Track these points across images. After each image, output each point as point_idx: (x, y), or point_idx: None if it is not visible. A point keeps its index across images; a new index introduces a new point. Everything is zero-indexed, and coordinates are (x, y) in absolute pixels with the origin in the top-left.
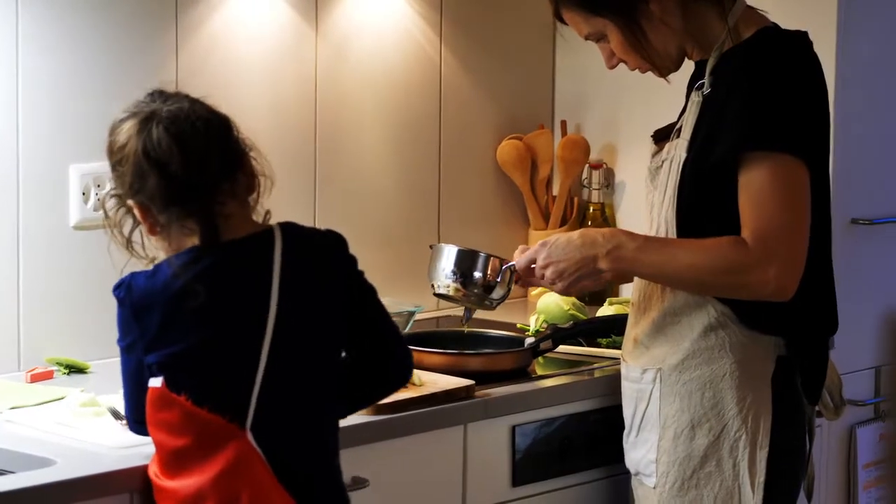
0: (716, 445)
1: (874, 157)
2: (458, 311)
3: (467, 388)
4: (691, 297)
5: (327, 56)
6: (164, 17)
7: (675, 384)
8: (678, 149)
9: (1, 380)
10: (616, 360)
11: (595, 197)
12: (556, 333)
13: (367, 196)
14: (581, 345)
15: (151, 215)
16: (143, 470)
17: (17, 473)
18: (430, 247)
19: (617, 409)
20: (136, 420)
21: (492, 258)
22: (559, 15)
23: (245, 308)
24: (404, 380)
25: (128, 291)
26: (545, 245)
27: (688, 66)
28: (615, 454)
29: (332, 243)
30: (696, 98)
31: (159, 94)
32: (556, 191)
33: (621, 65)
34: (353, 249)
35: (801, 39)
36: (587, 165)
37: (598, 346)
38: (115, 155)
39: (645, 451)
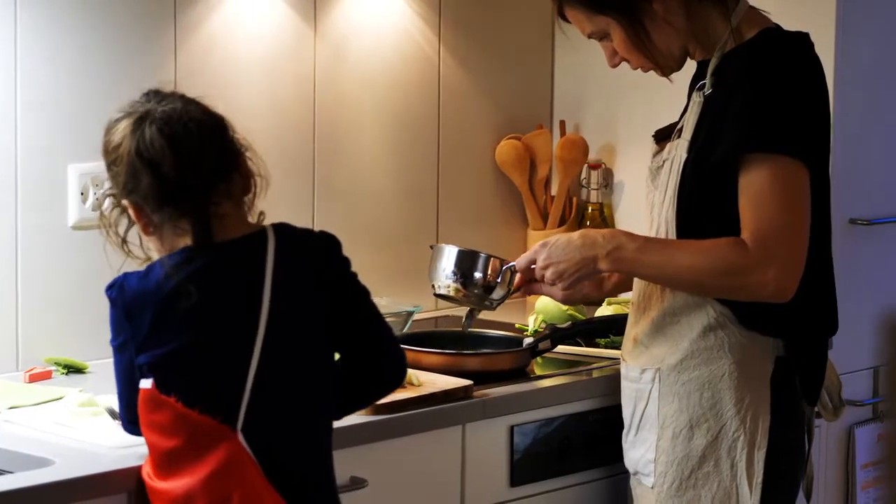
0: (714, 445)
1: (873, 157)
2: (458, 311)
3: (466, 388)
4: (691, 297)
5: (326, 56)
6: (163, 17)
7: (674, 384)
8: (679, 149)
9: None
10: (614, 360)
11: (594, 197)
12: (555, 333)
13: (366, 196)
14: (579, 345)
15: (145, 215)
16: (140, 470)
17: (16, 473)
18: (431, 247)
19: (615, 409)
20: (130, 420)
21: (492, 258)
22: (562, 13)
23: (237, 309)
24: (398, 381)
25: (120, 292)
26: (545, 246)
27: (689, 67)
28: (614, 454)
29: (326, 244)
30: (697, 98)
31: (154, 94)
32: (554, 191)
33: (621, 65)
34: (352, 249)
35: (802, 41)
36: (586, 165)
37: (597, 346)
38: (110, 155)
39: (643, 451)
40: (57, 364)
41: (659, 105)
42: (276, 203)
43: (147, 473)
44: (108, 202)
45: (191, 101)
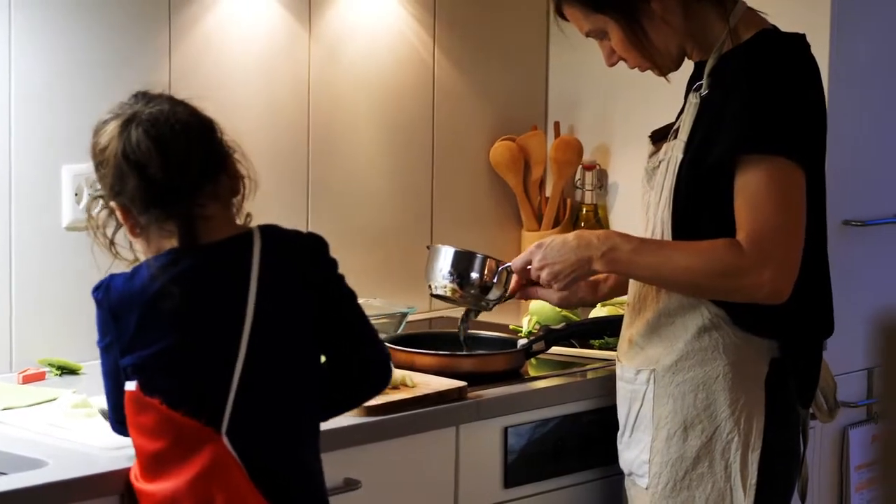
0: (708, 447)
1: (867, 158)
2: (452, 312)
3: (460, 389)
4: (685, 298)
5: (320, 57)
6: (158, 18)
7: (669, 385)
8: (675, 149)
9: None
10: (609, 361)
11: (588, 198)
12: (549, 335)
13: (360, 197)
14: (574, 346)
15: (132, 217)
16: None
17: (9, 475)
18: (427, 247)
19: (609, 410)
20: (118, 421)
21: (488, 259)
22: (560, 11)
23: (222, 311)
24: (384, 384)
25: (106, 293)
26: (541, 247)
27: (685, 68)
28: (608, 455)
29: (313, 246)
30: (693, 99)
31: (142, 96)
32: (549, 192)
33: (616, 68)
34: (346, 250)
35: (799, 42)
36: (580, 167)
37: (591, 347)
38: (98, 157)
39: (638, 452)
40: (51, 365)
41: (653, 106)
42: (271, 204)
43: (134, 475)
44: (95, 204)
45: (178, 103)
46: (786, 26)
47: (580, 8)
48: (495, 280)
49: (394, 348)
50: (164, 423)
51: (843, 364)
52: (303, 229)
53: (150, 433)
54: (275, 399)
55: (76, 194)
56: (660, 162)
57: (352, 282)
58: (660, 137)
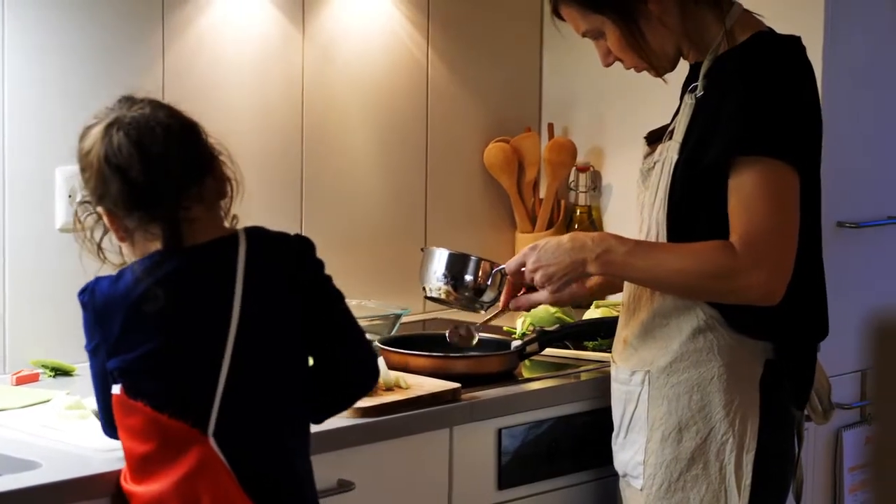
0: (703, 448)
1: (861, 160)
2: (447, 314)
3: (453, 391)
4: (680, 299)
5: (314, 58)
6: (151, 18)
7: (664, 387)
8: (670, 150)
9: None
10: (602, 362)
11: (582, 200)
12: (543, 336)
13: (354, 198)
14: (568, 348)
15: (118, 221)
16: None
17: (2, 476)
18: (422, 250)
19: (603, 411)
20: (107, 423)
21: (482, 262)
22: (557, 11)
23: (207, 313)
24: (371, 384)
25: (91, 296)
26: (535, 249)
27: (681, 69)
28: (602, 457)
29: (299, 247)
30: (689, 100)
31: (126, 100)
32: (542, 193)
33: (610, 69)
34: (339, 251)
35: (794, 44)
36: (574, 168)
37: (585, 349)
38: (82, 161)
39: (633, 453)
40: (44, 366)
41: (647, 108)
42: (264, 205)
43: (124, 477)
44: (82, 209)
45: (161, 106)
46: (779, 28)
47: (577, 8)
48: (489, 282)
49: (387, 350)
50: (150, 426)
51: (837, 366)
52: (296, 230)
53: (138, 435)
54: (262, 401)
55: (70, 195)
56: (655, 163)
57: (345, 283)
58: (655, 139)
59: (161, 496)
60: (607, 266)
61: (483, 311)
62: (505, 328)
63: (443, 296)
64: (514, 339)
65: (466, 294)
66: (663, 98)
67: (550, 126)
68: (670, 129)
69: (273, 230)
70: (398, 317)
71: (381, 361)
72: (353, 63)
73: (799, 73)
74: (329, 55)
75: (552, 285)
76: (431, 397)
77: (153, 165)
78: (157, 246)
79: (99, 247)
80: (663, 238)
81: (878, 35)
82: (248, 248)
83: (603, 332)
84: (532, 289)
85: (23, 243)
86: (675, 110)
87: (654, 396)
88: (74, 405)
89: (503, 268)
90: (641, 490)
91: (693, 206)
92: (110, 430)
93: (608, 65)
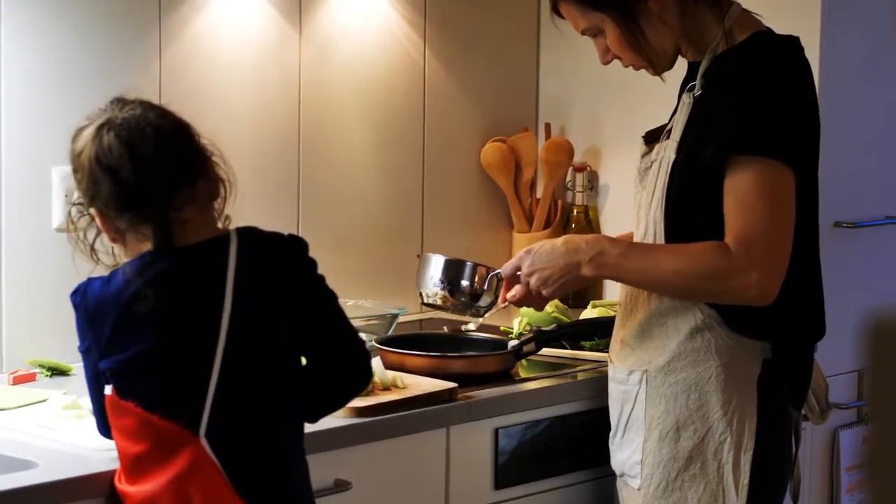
0: (700, 447)
1: (857, 159)
2: (444, 314)
3: (450, 390)
4: (678, 299)
5: (311, 58)
6: (148, 18)
7: (661, 386)
8: (668, 150)
9: None
10: (599, 362)
11: (579, 200)
12: (540, 336)
13: (351, 198)
14: (564, 347)
15: (110, 222)
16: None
17: None
18: (417, 256)
19: (600, 411)
20: (102, 423)
21: (478, 267)
22: (557, 9)
23: (198, 313)
24: (364, 384)
25: (83, 297)
26: (530, 252)
27: (679, 69)
28: (599, 456)
29: (292, 247)
30: (686, 100)
31: (118, 102)
32: (539, 193)
33: (607, 69)
34: (336, 251)
35: (793, 45)
36: (571, 168)
37: (582, 348)
38: (74, 162)
39: (630, 453)
40: (41, 366)
41: (644, 108)
42: (260, 204)
43: (117, 477)
44: (75, 210)
45: (152, 107)
46: (776, 27)
47: (577, 6)
48: (486, 287)
49: (384, 349)
50: (143, 426)
51: (834, 366)
52: (293, 230)
53: (131, 436)
54: (254, 401)
55: (66, 195)
56: (652, 162)
57: (342, 283)
58: (653, 138)
59: (153, 496)
60: (601, 268)
61: (480, 316)
62: (502, 328)
63: (440, 302)
64: (511, 338)
65: (463, 300)
66: (660, 98)
67: (547, 126)
68: (668, 128)
69: (266, 230)
70: (395, 316)
71: (377, 361)
72: (349, 63)
73: (797, 73)
74: (326, 55)
75: (548, 289)
76: (428, 397)
77: (143, 166)
78: (148, 247)
79: (92, 248)
80: (661, 237)
81: (874, 34)
82: (239, 249)
83: (600, 331)
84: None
85: (19, 243)
86: (671, 110)
87: (651, 396)
88: (71, 405)
89: (499, 272)
90: (639, 489)
91: (690, 205)
92: (105, 430)
93: (607, 62)
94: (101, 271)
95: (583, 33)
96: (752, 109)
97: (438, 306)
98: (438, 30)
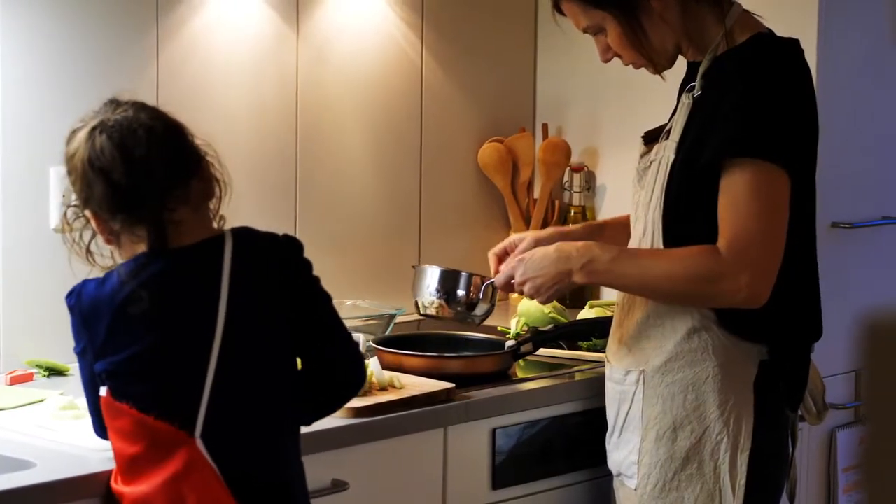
0: (697, 448)
1: (855, 160)
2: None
3: (448, 390)
4: (670, 304)
5: (308, 58)
6: (145, 19)
7: (658, 386)
8: (667, 150)
9: None
10: (597, 362)
11: (576, 200)
12: (537, 336)
13: (348, 198)
14: (562, 348)
15: (105, 224)
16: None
17: None
18: (413, 268)
19: (598, 411)
20: (98, 424)
21: (473, 276)
22: (558, 6)
23: (192, 314)
24: (358, 385)
25: (78, 299)
26: (522, 261)
27: (678, 70)
28: (596, 457)
29: (287, 247)
30: (686, 100)
31: (111, 103)
32: (537, 194)
33: (605, 69)
34: (334, 251)
35: (793, 47)
36: (568, 168)
37: (579, 348)
38: (68, 164)
39: (627, 453)
40: (38, 366)
41: (641, 108)
42: (257, 205)
43: (113, 477)
44: (70, 212)
45: (144, 108)
46: (773, 27)
47: (579, 3)
48: (481, 296)
49: (382, 350)
50: (138, 428)
51: (831, 366)
52: (291, 230)
53: (127, 437)
54: (249, 402)
55: (64, 196)
56: (651, 162)
57: (340, 283)
58: (652, 138)
59: (148, 497)
60: (592, 275)
61: (476, 325)
62: (499, 328)
63: (436, 312)
64: (509, 339)
65: (459, 309)
66: (657, 98)
67: (545, 126)
68: (667, 128)
69: (262, 230)
70: (392, 317)
71: (375, 361)
72: (347, 63)
73: (796, 75)
74: (323, 55)
75: (541, 297)
76: (426, 397)
77: (136, 167)
78: (142, 248)
79: (87, 249)
80: (659, 237)
81: (872, 35)
82: (234, 249)
83: (597, 332)
84: None
85: (17, 243)
86: (669, 110)
87: (648, 396)
88: (68, 405)
89: (493, 281)
90: (636, 490)
91: (689, 205)
92: (101, 430)
93: (607, 60)
94: (98, 273)
95: (584, 31)
96: (749, 111)
97: (435, 316)
98: (436, 30)
